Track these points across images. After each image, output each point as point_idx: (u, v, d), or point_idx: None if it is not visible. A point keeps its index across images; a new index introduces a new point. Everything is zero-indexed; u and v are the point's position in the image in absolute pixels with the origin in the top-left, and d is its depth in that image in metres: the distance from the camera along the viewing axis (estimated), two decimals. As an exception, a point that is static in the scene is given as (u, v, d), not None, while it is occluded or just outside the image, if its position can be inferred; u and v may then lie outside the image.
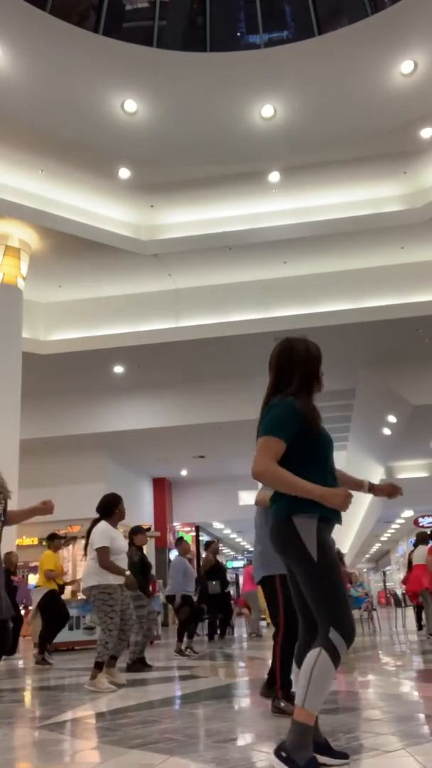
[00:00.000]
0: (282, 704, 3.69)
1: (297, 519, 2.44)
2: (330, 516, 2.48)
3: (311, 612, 2.49)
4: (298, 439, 2.52)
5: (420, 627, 11.20)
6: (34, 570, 17.84)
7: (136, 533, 7.56)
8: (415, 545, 11.07)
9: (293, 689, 3.89)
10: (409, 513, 24.61)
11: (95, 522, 5.76)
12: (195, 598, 9.80)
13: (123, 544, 5.76)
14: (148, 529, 9.15)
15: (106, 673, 5.44)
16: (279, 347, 2.73)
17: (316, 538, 2.42)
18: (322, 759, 2.38)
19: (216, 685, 5.50)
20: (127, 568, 5.83)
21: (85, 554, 5.71)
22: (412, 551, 11.06)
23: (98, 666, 5.33)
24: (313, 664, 2.30)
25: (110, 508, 5.76)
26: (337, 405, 16.95)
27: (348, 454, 23.14)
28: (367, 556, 45.59)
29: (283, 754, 2.28)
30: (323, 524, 2.46)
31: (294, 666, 2.64)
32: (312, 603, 2.43)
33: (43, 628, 8.67)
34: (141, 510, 21.20)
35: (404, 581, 12.06)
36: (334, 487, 2.52)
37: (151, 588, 9.16)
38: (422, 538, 10.86)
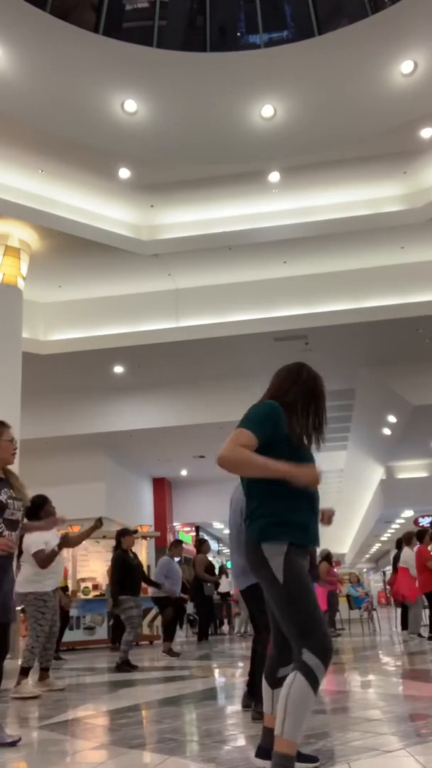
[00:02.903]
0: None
1: (266, 545, 2.37)
2: (301, 542, 2.40)
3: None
4: (276, 451, 2.40)
5: (405, 627, 11.13)
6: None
7: (123, 535, 7.55)
8: (399, 546, 10.94)
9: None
10: (409, 513, 24.58)
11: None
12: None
13: (55, 543, 5.70)
14: (135, 531, 9.10)
15: (41, 684, 5.45)
16: (288, 368, 2.68)
17: (283, 564, 2.34)
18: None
19: (216, 685, 5.50)
20: (62, 573, 5.80)
21: (18, 560, 5.62)
22: (398, 553, 10.94)
23: (24, 672, 5.33)
24: (288, 689, 2.19)
25: (36, 510, 5.63)
26: (337, 405, 16.96)
27: (348, 454, 23.14)
28: (367, 556, 45.55)
29: None
30: (294, 549, 2.38)
31: (264, 683, 2.58)
32: (283, 625, 2.37)
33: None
34: (141, 510, 21.19)
35: (390, 583, 11.97)
36: (308, 505, 2.44)
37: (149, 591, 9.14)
38: (407, 539, 10.69)
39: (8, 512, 3.61)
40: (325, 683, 5.09)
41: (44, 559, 5.43)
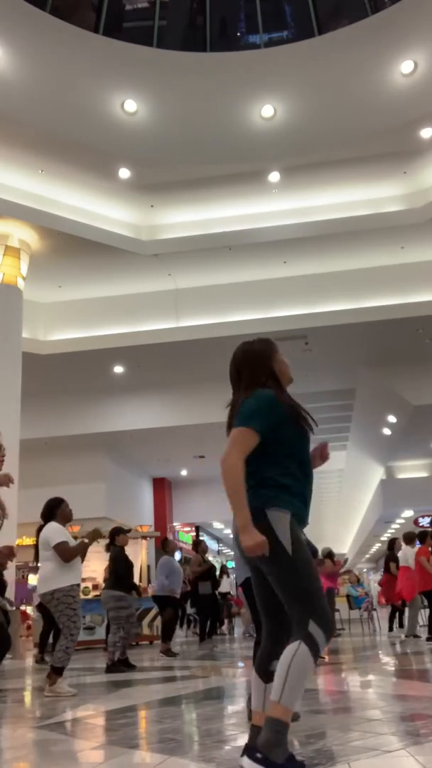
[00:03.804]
0: None
1: (271, 511, 2.36)
2: (302, 515, 2.44)
3: (278, 613, 2.43)
4: (276, 433, 2.45)
5: (391, 628, 11.09)
6: (34, 570, 17.88)
7: (117, 533, 7.54)
8: (391, 547, 10.93)
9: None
10: (409, 513, 24.59)
11: (40, 528, 5.61)
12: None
13: (74, 543, 5.57)
14: (129, 530, 9.08)
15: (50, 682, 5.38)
16: (232, 356, 2.71)
17: (290, 532, 2.34)
18: None
19: (216, 685, 5.50)
20: (81, 572, 5.74)
21: (36, 561, 5.55)
22: (390, 554, 10.92)
23: (58, 671, 5.26)
24: (291, 656, 2.20)
25: (52, 511, 5.62)
26: (337, 405, 16.96)
27: (348, 454, 23.14)
28: (367, 556, 45.54)
29: (259, 756, 2.16)
30: (295, 521, 2.39)
31: (254, 675, 2.53)
32: (288, 598, 2.33)
33: (44, 628, 8.67)
34: (141, 510, 21.20)
35: (382, 583, 11.94)
36: (307, 482, 2.48)
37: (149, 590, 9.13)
38: (409, 539, 10.68)
39: None
40: (325, 683, 5.09)
41: (71, 552, 5.34)
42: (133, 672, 6.71)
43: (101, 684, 5.65)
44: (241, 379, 2.64)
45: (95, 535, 5.56)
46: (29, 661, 9.46)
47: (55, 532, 5.43)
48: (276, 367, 2.63)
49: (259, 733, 2.28)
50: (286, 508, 2.37)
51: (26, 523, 15.03)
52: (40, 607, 8.71)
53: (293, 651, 2.21)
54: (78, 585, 5.45)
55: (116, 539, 7.46)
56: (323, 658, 5.36)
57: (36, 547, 5.53)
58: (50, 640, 8.30)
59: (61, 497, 5.78)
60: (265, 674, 2.47)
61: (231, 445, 2.42)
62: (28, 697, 5.57)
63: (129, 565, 7.39)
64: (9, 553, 3.44)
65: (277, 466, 2.43)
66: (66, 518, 5.67)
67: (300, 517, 2.42)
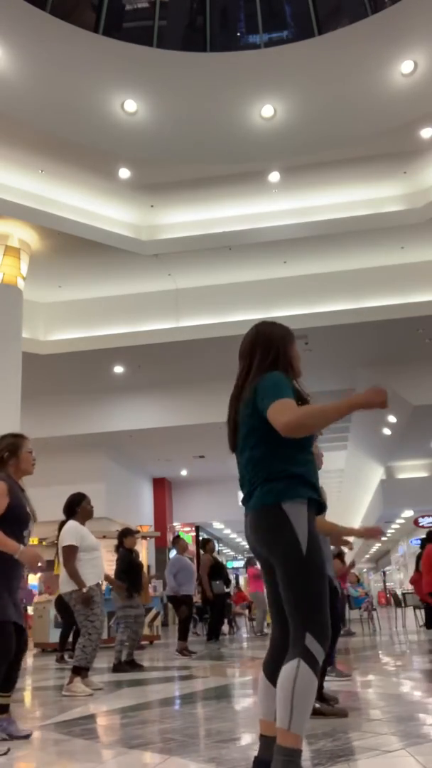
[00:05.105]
0: (317, 705, 3.53)
1: (287, 504, 2.20)
2: (319, 502, 2.29)
3: (286, 623, 2.22)
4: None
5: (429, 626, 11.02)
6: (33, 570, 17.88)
7: (125, 535, 7.54)
8: (423, 545, 10.84)
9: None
10: (409, 513, 24.60)
11: (62, 524, 5.63)
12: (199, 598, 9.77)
13: (94, 541, 5.59)
14: (138, 532, 9.09)
15: (82, 682, 5.33)
16: (248, 334, 2.57)
17: (308, 528, 2.19)
18: None
19: (216, 685, 5.50)
20: (104, 568, 5.72)
21: (57, 557, 5.57)
22: (421, 553, 10.81)
23: (76, 671, 5.26)
24: (294, 677, 2.02)
25: (73, 507, 5.63)
26: (337, 405, 16.90)
27: (348, 454, 23.15)
28: (367, 556, 45.59)
29: None
30: (312, 510, 2.25)
31: (262, 680, 2.32)
32: (291, 604, 2.16)
33: (63, 627, 8.68)
34: (141, 510, 21.20)
35: (412, 581, 11.87)
36: (314, 469, 2.34)
37: (150, 591, 9.12)
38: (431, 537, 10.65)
39: (31, 523, 3.65)
40: (325, 683, 5.09)
41: (70, 559, 5.32)
42: (137, 672, 6.72)
43: (102, 684, 5.66)
44: (253, 356, 2.48)
45: (86, 603, 5.39)
46: (30, 660, 9.46)
47: (68, 532, 5.47)
48: (292, 355, 2.52)
49: (269, 745, 2.13)
50: (303, 497, 2.23)
51: (26, 523, 15.06)
52: (59, 607, 8.72)
53: (294, 673, 2.03)
54: (98, 585, 5.47)
55: (124, 541, 7.46)
56: (348, 676, 5.36)
57: (57, 545, 5.56)
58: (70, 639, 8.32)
59: (83, 493, 5.79)
60: (272, 678, 2.26)
61: (279, 412, 2.18)
62: (27, 697, 5.57)
63: (134, 568, 7.39)
64: (35, 560, 3.46)
65: (284, 455, 2.27)
66: (86, 515, 5.69)
67: (318, 504, 2.30)
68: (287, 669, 2.05)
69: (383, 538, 32.78)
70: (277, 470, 2.27)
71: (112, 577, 7.24)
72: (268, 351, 2.47)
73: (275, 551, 2.21)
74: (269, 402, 2.23)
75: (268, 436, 2.27)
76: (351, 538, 4.17)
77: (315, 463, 2.40)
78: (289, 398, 2.23)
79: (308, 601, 2.13)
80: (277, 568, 2.23)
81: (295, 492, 2.22)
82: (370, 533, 3.54)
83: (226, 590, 11.91)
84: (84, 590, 5.26)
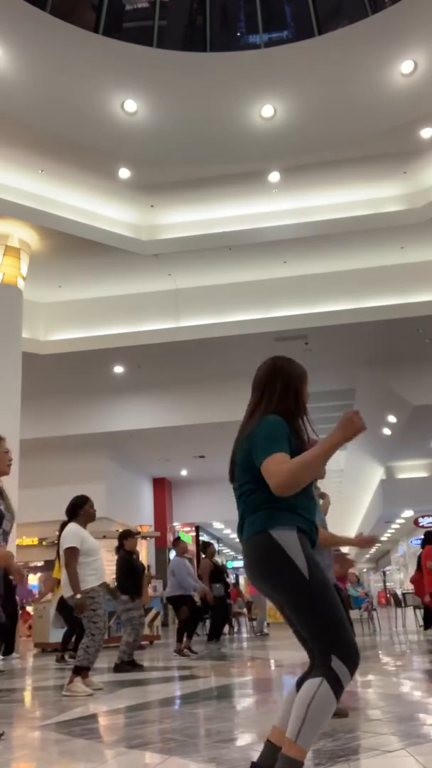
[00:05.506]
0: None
1: (275, 531, 2.15)
2: (306, 528, 2.22)
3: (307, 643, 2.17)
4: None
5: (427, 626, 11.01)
6: (33, 570, 17.87)
7: (126, 537, 7.52)
8: (423, 545, 10.79)
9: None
10: (409, 513, 24.60)
11: (63, 525, 5.62)
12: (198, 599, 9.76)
13: (95, 544, 5.56)
14: (138, 533, 9.07)
15: (83, 682, 5.31)
16: (264, 366, 2.54)
17: (303, 551, 2.12)
18: None
19: (216, 685, 5.50)
20: (104, 570, 5.69)
21: (58, 558, 5.54)
22: (422, 552, 10.77)
23: (77, 671, 5.26)
24: (312, 695, 2.00)
25: (76, 509, 5.60)
26: (337, 405, 16.94)
27: (348, 454, 23.15)
28: (367, 556, 45.59)
29: None
30: (302, 536, 2.18)
31: (291, 690, 2.27)
32: (306, 630, 2.09)
33: (66, 629, 8.67)
34: (141, 510, 21.20)
35: (412, 580, 11.83)
36: (310, 500, 2.30)
37: (150, 591, 9.12)
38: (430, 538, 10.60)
39: (5, 523, 3.63)
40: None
41: (71, 562, 5.29)
42: (137, 672, 6.73)
43: (102, 684, 5.65)
44: (265, 390, 2.45)
45: (79, 609, 5.37)
46: (31, 660, 9.46)
47: (69, 534, 5.44)
48: (304, 393, 2.50)
49: (272, 754, 2.10)
50: (291, 524, 2.17)
51: (27, 523, 15.08)
52: (61, 609, 8.71)
53: (314, 689, 2.01)
54: (99, 587, 5.45)
55: (125, 543, 7.45)
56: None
57: (57, 545, 5.52)
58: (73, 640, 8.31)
59: (87, 496, 5.77)
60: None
61: (271, 471, 2.16)
62: (27, 697, 5.57)
63: (134, 570, 7.38)
64: (18, 571, 3.44)
65: (287, 502, 2.20)
66: (89, 518, 5.66)
67: (307, 534, 2.22)
68: (309, 684, 2.04)
69: (383, 539, 32.82)
70: (263, 500, 2.23)
71: (114, 579, 7.24)
72: (283, 387, 2.44)
73: (275, 585, 2.16)
74: (262, 459, 2.21)
75: (258, 474, 2.25)
76: (346, 549, 4.16)
77: (313, 499, 2.35)
78: (281, 452, 2.20)
79: (326, 624, 2.07)
80: (282, 599, 2.17)
81: (283, 518, 2.18)
82: (365, 542, 3.54)
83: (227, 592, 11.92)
84: (78, 596, 5.22)
